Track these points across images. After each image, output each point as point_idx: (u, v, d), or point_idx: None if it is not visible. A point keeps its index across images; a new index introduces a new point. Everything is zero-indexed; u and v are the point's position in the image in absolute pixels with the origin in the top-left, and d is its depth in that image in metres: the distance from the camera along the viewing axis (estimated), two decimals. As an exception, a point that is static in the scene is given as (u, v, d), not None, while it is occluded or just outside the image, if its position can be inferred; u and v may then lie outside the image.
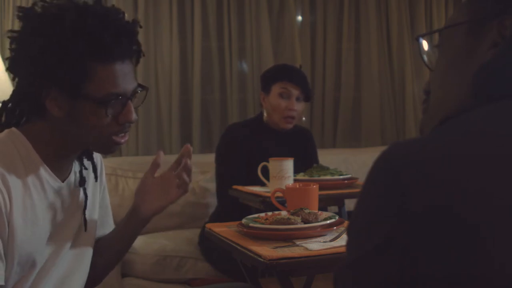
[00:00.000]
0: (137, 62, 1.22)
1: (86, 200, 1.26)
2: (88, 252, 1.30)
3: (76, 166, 1.26)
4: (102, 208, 1.38)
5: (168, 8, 3.37)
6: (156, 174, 1.34)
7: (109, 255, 1.37)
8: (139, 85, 1.21)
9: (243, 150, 2.43)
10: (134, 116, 1.17)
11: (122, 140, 1.18)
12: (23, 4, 3.03)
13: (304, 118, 2.61)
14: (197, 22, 3.40)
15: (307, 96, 2.47)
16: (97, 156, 1.34)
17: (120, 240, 1.36)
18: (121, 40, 1.12)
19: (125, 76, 1.14)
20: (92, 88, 1.10)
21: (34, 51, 1.09)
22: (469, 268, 0.49)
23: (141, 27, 1.22)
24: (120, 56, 1.13)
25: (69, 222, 1.23)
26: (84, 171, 1.27)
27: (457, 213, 0.50)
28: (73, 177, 1.24)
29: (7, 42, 3.03)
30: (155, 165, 1.33)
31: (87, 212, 1.27)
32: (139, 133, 3.32)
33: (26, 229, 1.10)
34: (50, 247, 1.18)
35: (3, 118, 1.19)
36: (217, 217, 2.51)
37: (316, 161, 2.59)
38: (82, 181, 1.25)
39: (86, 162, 1.29)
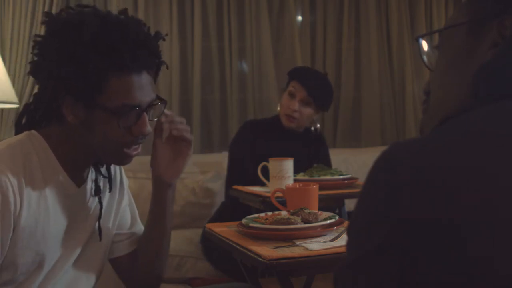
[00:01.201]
0: (157, 74, 1.21)
1: (101, 209, 1.26)
2: (99, 261, 1.29)
3: (93, 174, 1.26)
4: (131, 211, 1.38)
5: (168, 8, 3.37)
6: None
7: (152, 242, 1.33)
8: (158, 98, 1.20)
9: (255, 147, 2.44)
10: (148, 128, 1.16)
11: (134, 153, 1.18)
12: (24, 5, 3.03)
13: (318, 125, 2.59)
14: (197, 22, 3.40)
15: (317, 103, 2.43)
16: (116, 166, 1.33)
17: (155, 219, 1.32)
18: (140, 52, 1.11)
19: (142, 88, 1.13)
20: (106, 99, 1.09)
21: (52, 57, 1.09)
22: (469, 268, 0.49)
23: (164, 39, 1.21)
24: (137, 68, 1.12)
25: (81, 228, 1.22)
26: (101, 180, 1.27)
27: (457, 212, 0.50)
28: (89, 184, 1.24)
29: (7, 42, 3.04)
30: (160, 128, 1.29)
31: (101, 222, 1.26)
32: (139, 133, 3.32)
33: (36, 230, 1.10)
34: (59, 251, 1.18)
35: (23, 120, 1.19)
36: (218, 216, 2.51)
37: (328, 164, 2.59)
38: (97, 190, 1.25)
39: (104, 171, 1.28)
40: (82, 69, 1.07)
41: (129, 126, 1.13)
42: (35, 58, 1.14)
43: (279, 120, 2.49)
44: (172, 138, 1.29)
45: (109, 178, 1.30)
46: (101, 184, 1.26)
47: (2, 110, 3.01)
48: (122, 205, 1.36)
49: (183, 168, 1.29)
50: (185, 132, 1.28)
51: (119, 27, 1.10)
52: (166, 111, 1.27)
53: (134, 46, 1.10)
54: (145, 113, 1.15)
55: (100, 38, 1.08)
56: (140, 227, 1.39)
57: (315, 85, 2.43)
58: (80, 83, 1.07)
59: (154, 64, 1.18)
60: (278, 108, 2.51)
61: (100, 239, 1.27)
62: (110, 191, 1.31)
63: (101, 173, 1.27)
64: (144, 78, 1.14)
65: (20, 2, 3.04)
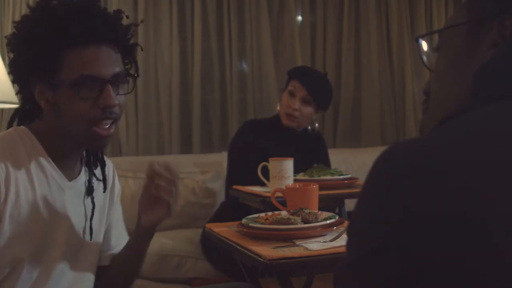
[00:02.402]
0: (125, 50, 1.21)
1: (93, 209, 1.26)
2: (93, 263, 1.29)
3: (86, 174, 1.26)
4: (116, 220, 1.38)
5: (168, 8, 3.37)
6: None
7: (125, 270, 1.34)
8: (126, 73, 1.20)
9: (255, 147, 2.44)
10: (113, 100, 1.13)
11: (105, 133, 1.14)
12: (24, 5, 3.03)
13: (317, 124, 2.60)
14: (197, 22, 3.40)
15: (317, 102, 2.44)
16: (109, 166, 1.33)
17: (131, 252, 1.33)
18: (93, 25, 1.12)
19: (100, 60, 1.13)
20: (65, 74, 1.11)
21: (17, 48, 1.15)
22: (469, 267, 0.49)
23: (127, 17, 1.22)
24: (92, 40, 1.12)
25: (73, 226, 1.22)
26: (94, 180, 1.27)
27: (457, 213, 0.50)
28: (81, 180, 1.24)
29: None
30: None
31: (93, 222, 1.26)
32: (139, 133, 3.33)
33: (26, 220, 1.10)
34: (46, 244, 1.17)
35: (15, 123, 1.21)
36: (218, 216, 2.51)
37: (327, 164, 2.60)
38: (90, 190, 1.25)
39: (98, 173, 1.28)
40: (37, 48, 1.10)
41: (93, 99, 1.12)
42: (10, 58, 1.18)
43: (279, 120, 2.49)
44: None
45: (103, 179, 1.29)
46: (94, 184, 1.26)
47: (2, 110, 3.01)
48: (115, 217, 1.37)
49: (159, 221, 1.24)
50: (164, 194, 1.19)
51: (66, 4, 1.13)
52: (155, 164, 1.19)
53: (85, 19, 1.12)
54: (109, 85, 1.13)
55: (47, 15, 1.12)
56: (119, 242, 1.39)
57: (315, 84, 2.44)
58: (39, 62, 1.10)
59: (113, 39, 1.17)
60: (278, 108, 2.51)
61: (91, 239, 1.26)
62: (104, 191, 1.31)
63: (94, 175, 1.27)
64: (103, 51, 1.14)
65: (20, 2, 3.04)
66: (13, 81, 1.21)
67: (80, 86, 1.11)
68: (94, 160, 1.28)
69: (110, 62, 1.14)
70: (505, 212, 0.49)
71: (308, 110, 2.44)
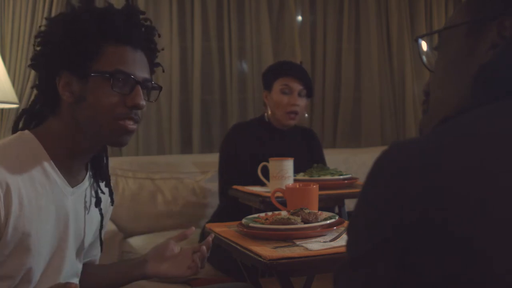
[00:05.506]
0: (153, 63, 1.25)
1: (102, 220, 1.27)
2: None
3: (91, 180, 1.26)
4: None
5: (168, 8, 3.37)
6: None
7: (102, 284, 1.37)
8: (154, 84, 1.23)
9: (247, 150, 2.44)
10: (142, 101, 1.16)
11: (130, 126, 1.15)
12: (24, 5, 3.03)
13: (306, 115, 2.61)
14: (197, 22, 3.40)
15: (309, 92, 2.47)
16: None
17: (114, 279, 1.36)
18: (134, 28, 1.17)
19: (136, 62, 1.17)
20: (100, 65, 1.13)
21: (49, 38, 1.15)
22: (467, 270, 0.49)
23: (159, 36, 1.26)
24: (131, 42, 1.16)
25: (75, 232, 1.21)
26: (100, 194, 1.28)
27: (456, 214, 0.50)
28: (84, 186, 1.23)
29: (7, 42, 3.04)
30: (183, 236, 1.37)
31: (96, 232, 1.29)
32: (139, 133, 3.32)
33: (31, 229, 1.09)
34: (50, 253, 1.16)
35: (21, 124, 1.21)
36: (218, 216, 2.51)
37: (323, 161, 2.59)
38: (98, 202, 1.25)
39: (104, 189, 1.30)
40: (77, 38, 1.11)
41: (122, 95, 1.14)
42: (36, 51, 1.18)
43: (269, 121, 2.49)
44: (185, 253, 1.35)
45: (110, 192, 1.31)
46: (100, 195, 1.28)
47: (2, 110, 3.01)
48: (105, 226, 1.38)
49: (165, 276, 1.32)
50: (200, 265, 1.33)
51: (112, 5, 1.19)
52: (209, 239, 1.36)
53: (130, 21, 1.16)
54: (139, 86, 1.16)
55: (94, 9, 1.15)
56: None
57: (305, 76, 2.47)
58: (76, 51, 1.12)
59: (149, 48, 1.22)
60: (269, 112, 2.49)
61: (101, 250, 1.30)
62: (112, 204, 1.33)
63: (99, 187, 1.27)
64: (139, 56, 1.18)
65: (20, 2, 3.04)
66: (39, 74, 1.20)
67: (114, 79, 1.13)
68: (100, 174, 1.29)
69: (143, 67, 1.19)
70: (504, 212, 0.49)
71: (305, 102, 2.47)
